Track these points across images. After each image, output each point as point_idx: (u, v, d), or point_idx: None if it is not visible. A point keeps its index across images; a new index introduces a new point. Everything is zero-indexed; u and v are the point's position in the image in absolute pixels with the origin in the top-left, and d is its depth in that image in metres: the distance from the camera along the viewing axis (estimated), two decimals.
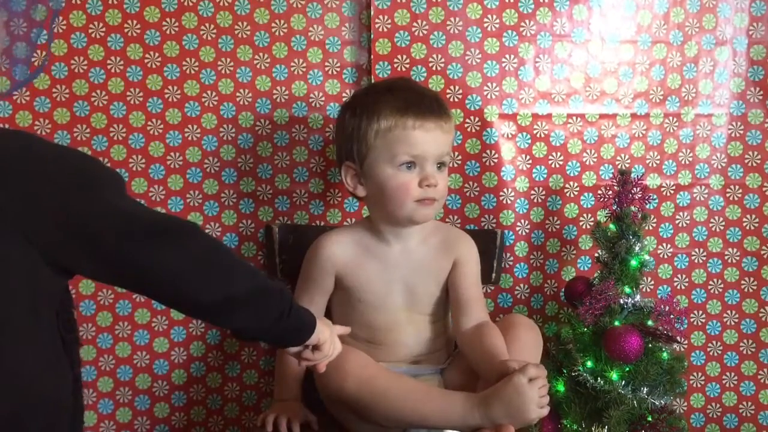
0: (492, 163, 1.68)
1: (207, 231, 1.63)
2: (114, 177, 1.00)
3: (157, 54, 1.59)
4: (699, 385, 1.77)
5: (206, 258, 0.98)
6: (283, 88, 1.63)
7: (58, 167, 0.94)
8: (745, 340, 1.77)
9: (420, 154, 1.39)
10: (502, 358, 1.33)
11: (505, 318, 1.53)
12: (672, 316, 1.55)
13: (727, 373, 1.77)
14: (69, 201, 0.91)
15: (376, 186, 1.43)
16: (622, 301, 1.54)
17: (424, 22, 1.64)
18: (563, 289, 1.67)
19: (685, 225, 1.74)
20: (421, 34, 1.64)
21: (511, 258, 1.70)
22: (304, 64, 1.63)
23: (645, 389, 1.51)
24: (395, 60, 1.63)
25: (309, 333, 1.12)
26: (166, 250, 0.94)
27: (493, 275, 1.64)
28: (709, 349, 1.77)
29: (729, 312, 1.76)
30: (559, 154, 1.70)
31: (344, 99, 1.64)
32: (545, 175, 1.70)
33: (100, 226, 0.92)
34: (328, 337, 1.17)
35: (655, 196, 1.70)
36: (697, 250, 1.75)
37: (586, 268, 1.72)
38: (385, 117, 1.40)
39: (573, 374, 1.53)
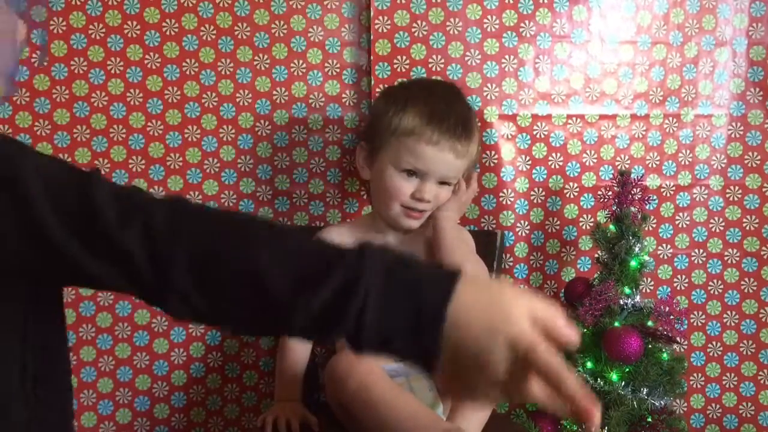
0: (492, 164, 1.68)
1: None
2: None
3: (156, 55, 1.59)
4: (699, 386, 1.77)
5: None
6: (283, 89, 1.63)
7: None
8: (745, 341, 1.77)
9: (423, 169, 1.41)
10: None
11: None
12: (672, 317, 1.55)
13: (727, 374, 1.77)
14: None
15: (376, 176, 1.46)
16: (621, 302, 1.54)
17: (424, 23, 1.64)
18: (563, 290, 1.67)
19: (684, 226, 1.74)
20: (420, 35, 1.64)
21: (511, 259, 1.70)
22: (304, 65, 1.63)
23: (645, 390, 1.51)
24: (395, 61, 1.63)
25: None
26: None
27: (493, 276, 1.64)
28: (709, 350, 1.77)
29: (729, 313, 1.76)
30: (558, 154, 1.70)
31: (343, 100, 1.65)
32: (545, 176, 1.70)
33: None
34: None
35: (654, 197, 1.70)
36: (696, 250, 1.75)
37: (585, 269, 1.72)
38: (406, 120, 1.41)
39: None
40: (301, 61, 1.63)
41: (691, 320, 1.75)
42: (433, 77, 1.63)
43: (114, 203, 0.72)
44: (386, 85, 1.61)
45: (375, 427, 1.29)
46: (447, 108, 1.43)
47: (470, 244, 1.51)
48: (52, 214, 0.71)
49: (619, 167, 1.69)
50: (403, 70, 1.63)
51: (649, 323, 1.55)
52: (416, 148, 1.40)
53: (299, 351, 1.52)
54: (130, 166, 1.61)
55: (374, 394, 1.30)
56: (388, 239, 1.50)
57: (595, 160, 1.71)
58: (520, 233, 1.70)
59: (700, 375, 1.77)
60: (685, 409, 1.76)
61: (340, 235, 1.51)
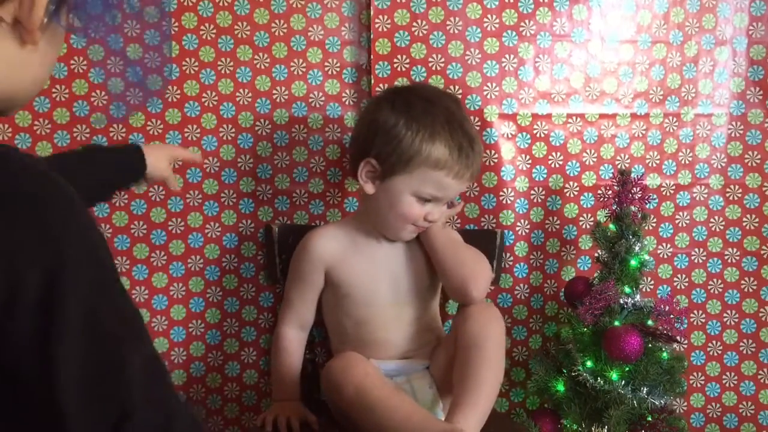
0: (492, 163, 1.68)
1: (207, 231, 1.63)
2: None
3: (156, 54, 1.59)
4: (699, 385, 1.77)
5: None
6: (283, 88, 1.63)
7: None
8: (745, 340, 1.77)
9: (441, 196, 1.43)
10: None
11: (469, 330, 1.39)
12: (672, 316, 1.55)
13: (727, 373, 1.77)
14: None
15: (387, 196, 1.42)
16: (621, 301, 1.54)
17: (424, 22, 1.64)
18: (563, 289, 1.67)
19: (684, 225, 1.74)
20: (420, 34, 1.64)
21: (511, 258, 1.70)
22: (304, 64, 1.63)
23: (645, 389, 1.51)
24: (395, 60, 1.63)
25: None
26: None
27: (493, 275, 1.64)
28: (709, 349, 1.77)
29: (729, 312, 1.76)
30: (558, 154, 1.70)
31: (343, 99, 1.64)
32: (545, 175, 1.70)
33: None
34: None
35: (654, 196, 1.70)
36: (696, 249, 1.75)
37: (585, 268, 1.72)
38: (437, 153, 1.38)
39: (573, 374, 1.53)
40: (301, 60, 1.63)
41: (691, 319, 1.75)
42: (436, 86, 1.60)
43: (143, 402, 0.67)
44: (386, 85, 1.61)
45: (373, 430, 1.29)
46: (468, 139, 1.41)
47: (457, 238, 1.52)
48: (76, 390, 0.65)
49: (619, 166, 1.69)
50: (403, 69, 1.63)
51: (649, 322, 1.55)
52: (442, 181, 1.40)
53: (292, 352, 1.52)
54: None
55: (370, 398, 1.30)
56: (382, 244, 1.49)
57: (595, 159, 1.71)
58: (520, 232, 1.70)
59: (700, 374, 1.77)
60: (685, 408, 1.76)
61: (334, 237, 1.50)
